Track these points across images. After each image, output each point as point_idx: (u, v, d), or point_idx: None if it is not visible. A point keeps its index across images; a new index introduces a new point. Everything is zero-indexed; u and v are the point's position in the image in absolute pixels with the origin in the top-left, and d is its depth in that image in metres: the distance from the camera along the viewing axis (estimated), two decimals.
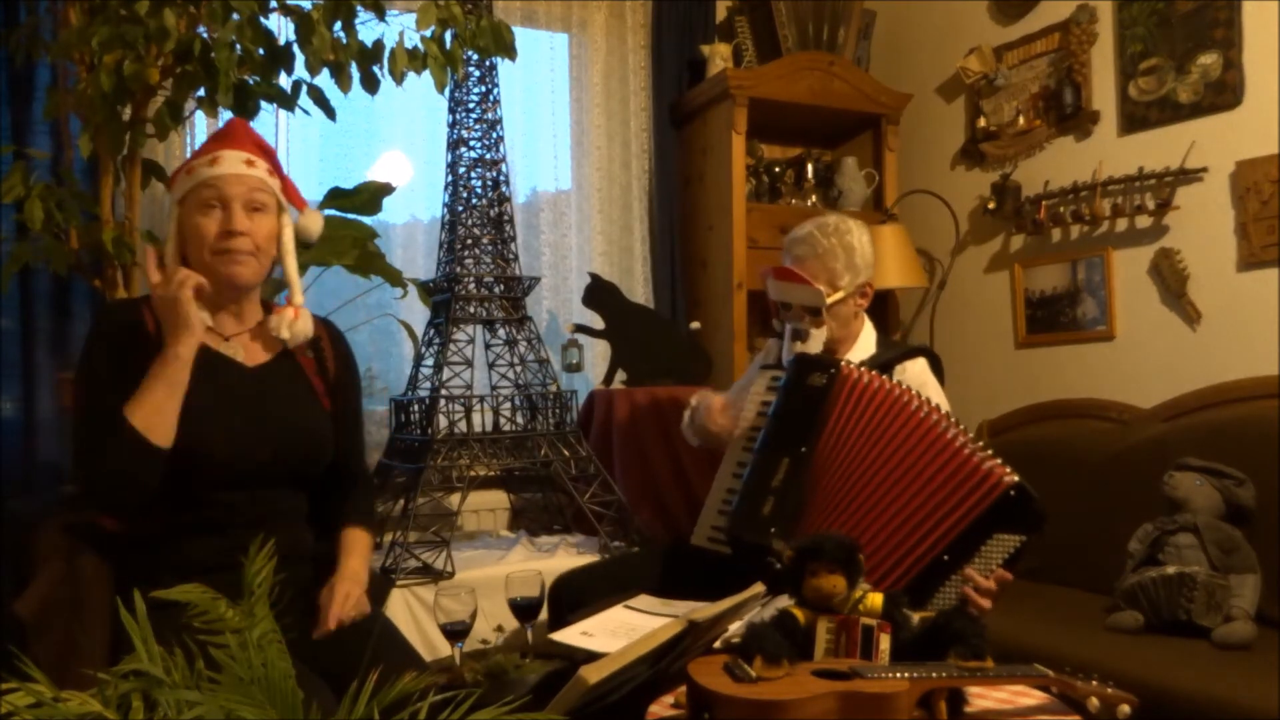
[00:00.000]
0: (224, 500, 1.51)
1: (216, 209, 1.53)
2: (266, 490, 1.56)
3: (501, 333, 2.65)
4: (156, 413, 1.43)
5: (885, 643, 1.26)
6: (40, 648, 1.41)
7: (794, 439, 1.82)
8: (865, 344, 2.10)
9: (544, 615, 1.98)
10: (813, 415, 1.82)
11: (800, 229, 2.11)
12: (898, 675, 1.16)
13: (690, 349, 3.03)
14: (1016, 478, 1.72)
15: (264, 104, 2.07)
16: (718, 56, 3.25)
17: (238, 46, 1.93)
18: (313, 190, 2.89)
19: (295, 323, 1.61)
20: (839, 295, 2.03)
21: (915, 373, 2.06)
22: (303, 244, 1.69)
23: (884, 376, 1.86)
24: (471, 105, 2.60)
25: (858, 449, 1.79)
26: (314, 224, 1.68)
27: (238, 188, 1.54)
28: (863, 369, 1.86)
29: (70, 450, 2.14)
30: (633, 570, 2.10)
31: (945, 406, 2.02)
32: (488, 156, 2.61)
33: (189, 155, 1.62)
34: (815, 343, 2.00)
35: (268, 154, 1.62)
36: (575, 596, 2.01)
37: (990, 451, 1.76)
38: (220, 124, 2.70)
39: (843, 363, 1.87)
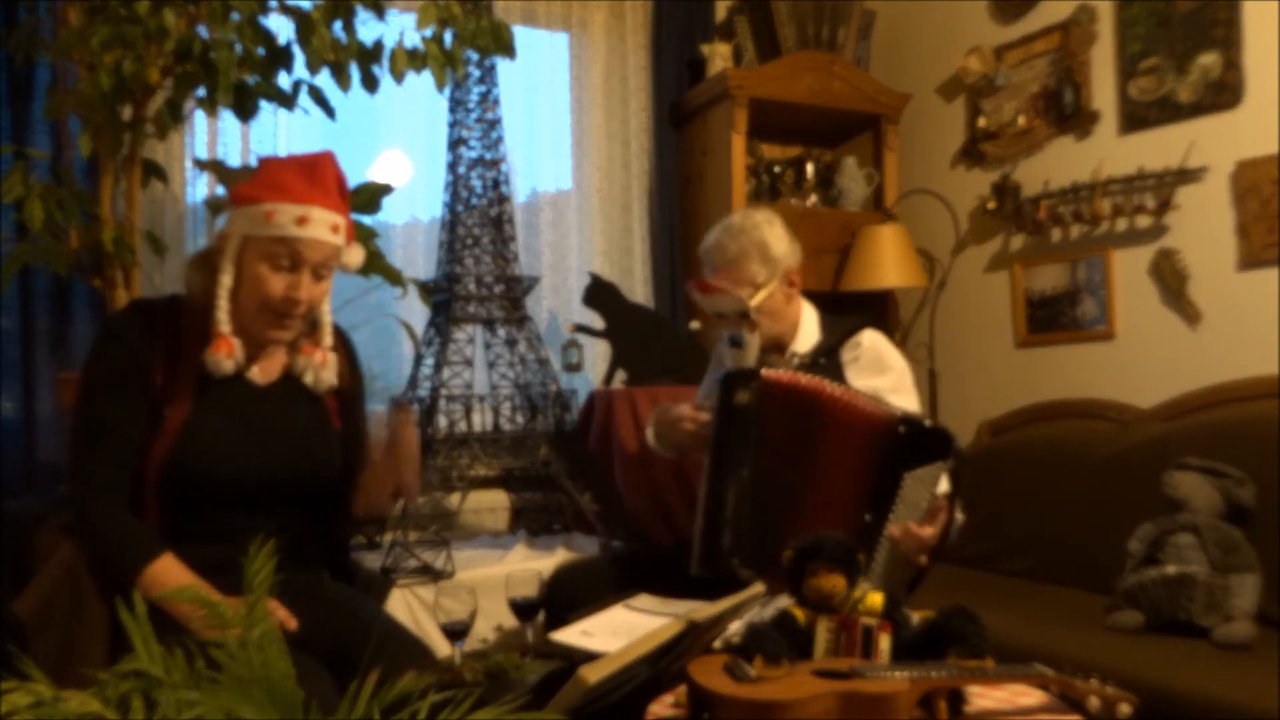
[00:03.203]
0: (227, 518, 1.49)
1: (286, 269, 1.46)
2: (272, 511, 1.54)
3: (501, 332, 2.65)
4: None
5: (885, 643, 1.26)
6: (40, 648, 1.40)
7: (734, 463, 1.81)
8: (809, 330, 2.08)
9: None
10: (746, 435, 1.81)
11: (709, 237, 2.09)
12: (898, 675, 1.16)
13: (690, 349, 3.03)
14: (901, 413, 1.75)
15: (264, 104, 2.07)
16: (718, 56, 3.25)
17: (238, 46, 1.93)
18: None
19: (321, 369, 1.57)
20: (763, 294, 2.01)
21: (869, 344, 2.04)
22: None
23: (797, 373, 1.85)
24: (471, 105, 2.60)
25: (794, 454, 1.79)
26: (355, 258, 1.60)
27: (316, 255, 1.47)
28: (782, 372, 1.85)
29: (67, 454, 2.15)
30: (631, 569, 2.10)
31: (902, 366, 2.05)
32: (488, 156, 2.61)
33: (256, 171, 1.50)
34: (753, 347, 1.99)
35: (346, 199, 1.54)
36: (571, 592, 2.01)
37: (896, 406, 1.78)
38: (221, 122, 2.73)
39: (764, 371, 1.84)
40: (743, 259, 2.01)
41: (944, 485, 1.78)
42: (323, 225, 1.46)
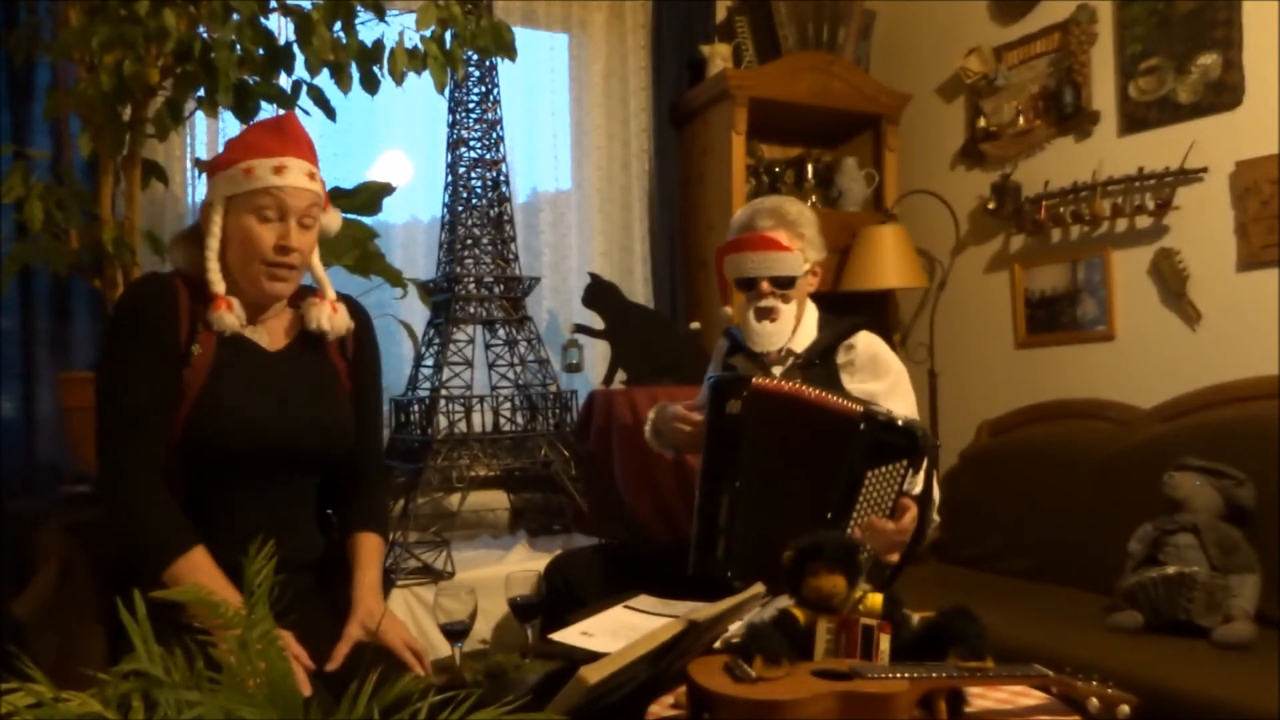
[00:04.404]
0: (235, 498, 1.49)
1: (273, 219, 1.49)
2: (278, 487, 1.54)
3: (501, 333, 2.65)
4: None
5: (885, 643, 1.26)
6: (40, 648, 1.40)
7: (727, 472, 1.80)
8: (807, 329, 2.06)
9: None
10: (737, 445, 1.79)
11: (757, 204, 2.06)
12: (898, 675, 1.16)
13: (690, 349, 3.03)
14: (863, 408, 1.72)
15: (264, 104, 2.07)
16: (718, 56, 3.25)
17: (238, 46, 1.93)
18: None
19: (335, 316, 1.59)
20: (809, 266, 2.00)
21: (864, 347, 2.02)
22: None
23: (785, 382, 1.84)
24: (471, 105, 2.60)
25: (783, 462, 1.78)
26: (334, 222, 1.64)
27: (300, 202, 1.50)
28: (771, 381, 1.83)
29: (73, 445, 2.15)
30: (631, 569, 2.10)
31: (899, 368, 2.03)
32: (488, 156, 2.61)
33: (228, 142, 1.55)
34: (785, 320, 1.96)
35: (313, 151, 1.58)
36: (567, 580, 2.00)
37: (862, 404, 1.75)
38: (221, 122, 2.73)
39: (754, 380, 1.82)
40: (801, 224, 2.00)
41: (917, 486, 1.75)
42: (300, 172, 1.51)
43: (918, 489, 1.75)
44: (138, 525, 1.42)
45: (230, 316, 1.49)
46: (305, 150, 1.54)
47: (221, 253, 1.51)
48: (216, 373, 1.48)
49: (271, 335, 1.59)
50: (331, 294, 1.62)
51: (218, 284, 1.50)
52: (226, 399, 1.48)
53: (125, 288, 1.63)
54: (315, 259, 1.60)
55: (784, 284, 1.97)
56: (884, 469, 1.70)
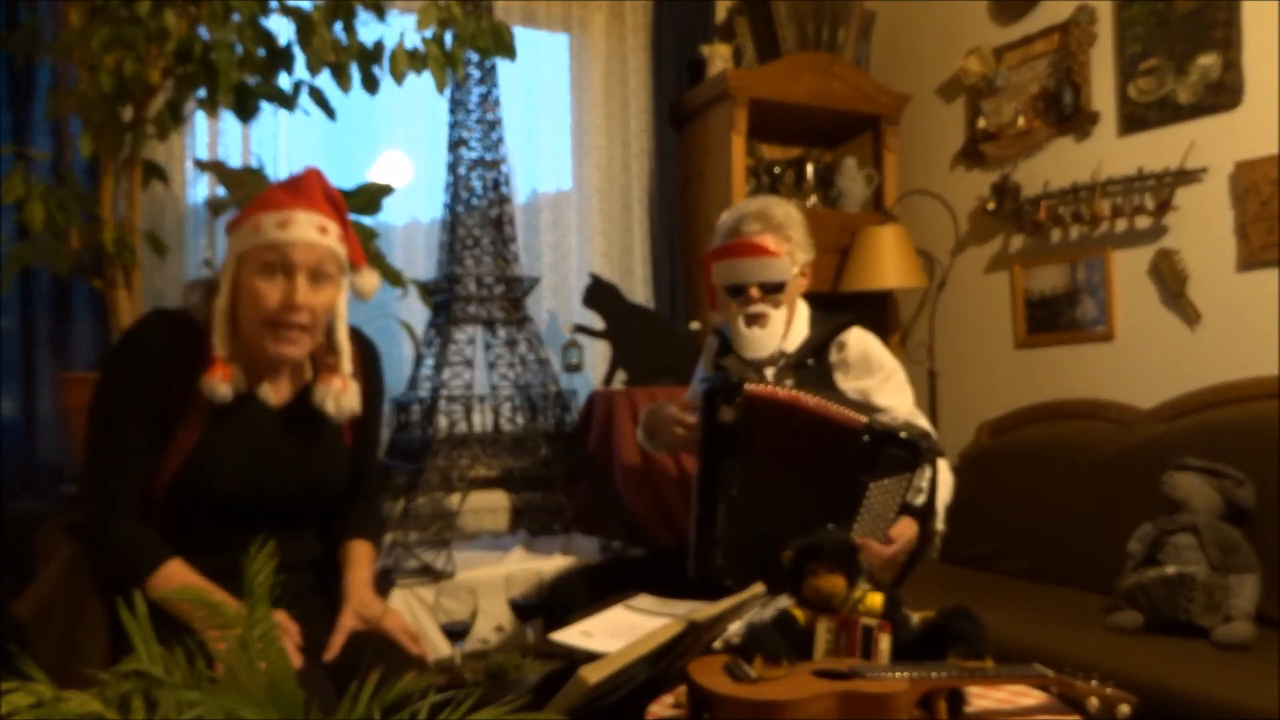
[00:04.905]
0: (232, 533, 1.47)
1: (279, 275, 1.43)
2: (277, 526, 1.53)
3: (502, 333, 2.65)
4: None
5: (885, 643, 1.26)
6: (41, 648, 1.40)
7: (722, 481, 1.77)
8: (799, 328, 2.04)
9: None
10: (732, 452, 1.77)
11: (743, 207, 2.03)
12: (898, 675, 1.16)
13: (690, 349, 3.03)
14: (867, 419, 1.69)
15: (264, 104, 2.08)
16: (717, 57, 3.25)
17: (238, 47, 1.93)
18: None
19: (342, 396, 1.53)
20: (797, 269, 1.98)
21: (855, 344, 2.01)
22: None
23: (776, 387, 1.81)
24: (471, 106, 2.60)
25: (779, 469, 1.76)
26: (369, 284, 1.57)
27: (306, 256, 1.43)
28: (764, 386, 1.81)
29: (74, 445, 2.15)
30: (631, 571, 2.10)
31: (892, 364, 2.01)
32: (488, 157, 2.61)
33: (251, 206, 1.48)
34: (776, 325, 1.94)
35: (338, 208, 1.53)
36: (570, 598, 2.00)
37: (865, 414, 1.72)
38: (221, 123, 2.73)
39: (746, 386, 1.79)
40: (789, 228, 1.97)
41: (920, 497, 1.73)
42: (307, 226, 1.45)
43: (921, 499, 1.73)
44: (116, 555, 1.43)
45: (223, 386, 1.44)
46: (318, 203, 1.48)
47: (235, 310, 1.47)
48: (211, 428, 1.47)
49: (277, 389, 1.55)
50: (348, 367, 1.55)
51: (220, 347, 1.45)
52: (218, 462, 1.46)
53: (132, 324, 1.58)
54: (341, 326, 1.53)
55: (773, 289, 1.95)
56: (886, 482, 1.69)
